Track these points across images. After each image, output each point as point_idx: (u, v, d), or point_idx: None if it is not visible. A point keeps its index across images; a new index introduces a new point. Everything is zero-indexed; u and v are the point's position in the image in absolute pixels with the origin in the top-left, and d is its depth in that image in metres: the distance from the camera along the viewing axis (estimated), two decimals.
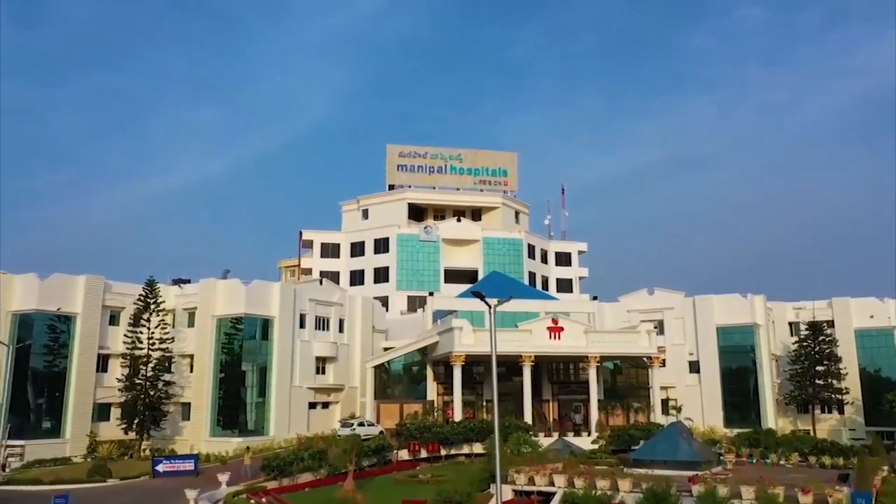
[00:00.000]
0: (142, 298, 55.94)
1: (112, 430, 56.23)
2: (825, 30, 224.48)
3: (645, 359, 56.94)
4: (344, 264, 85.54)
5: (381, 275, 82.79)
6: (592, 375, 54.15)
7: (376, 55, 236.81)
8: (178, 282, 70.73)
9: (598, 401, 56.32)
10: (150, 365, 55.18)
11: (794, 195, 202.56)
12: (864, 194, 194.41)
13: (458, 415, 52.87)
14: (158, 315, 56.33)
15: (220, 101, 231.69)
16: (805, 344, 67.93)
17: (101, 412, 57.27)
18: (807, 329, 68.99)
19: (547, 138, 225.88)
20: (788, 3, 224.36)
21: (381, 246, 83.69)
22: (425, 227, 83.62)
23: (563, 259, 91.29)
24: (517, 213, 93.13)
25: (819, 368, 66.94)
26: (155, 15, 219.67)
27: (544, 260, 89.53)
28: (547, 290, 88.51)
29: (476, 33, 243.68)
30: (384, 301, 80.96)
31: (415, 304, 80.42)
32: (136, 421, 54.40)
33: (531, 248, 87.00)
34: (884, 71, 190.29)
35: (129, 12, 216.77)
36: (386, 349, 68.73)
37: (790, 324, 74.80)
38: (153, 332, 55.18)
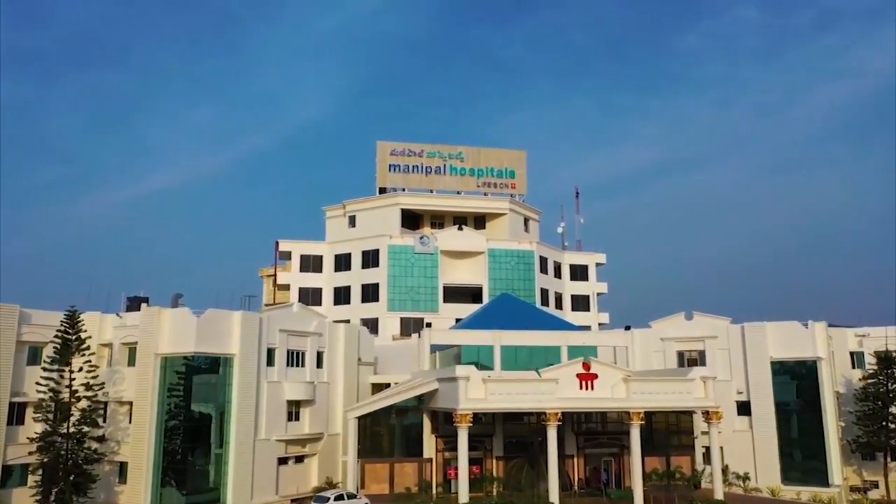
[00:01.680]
0: (59, 334, 44.29)
1: (29, 498, 44.62)
2: (818, 31, 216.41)
3: (700, 412, 45.49)
4: (327, 280, 73.97)
5: (370, 292, 71.24)
6: (635, 436, 42.45)
7: (372, 54, 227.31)
8: (135, 301, 59.64)
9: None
10: (73, 417, 43.57)
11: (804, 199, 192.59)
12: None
13: (463, 494, 40.91)
14: (83, 353, 44.69)
15: (214, 99, 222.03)
16: (874, 380, 56.89)
17: (19, 475, 45.75)
18: (875, 362, 58.00)
19: (543, 137, 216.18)
20: (782, 3, 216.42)
21: (370, 259, 72.11)
22: (421, 238, 72.08)
23: (579, 273, 79.85)
24: (526, 220, 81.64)
25: (893, 410, 55.93)
26: (151, 13, 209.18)
27: (557, 274, 78.09)
28: (561, 308, 77.22)
29: (472, 32, 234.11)
30: (373, 324, 69.57)
31: (409, 327, 69.06)
32: (54, 489, 42.81)
33: (543, 261, 75.51)
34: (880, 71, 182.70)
35: (125, 10, 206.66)
36: (374, 386, 57.43)
37: (851, 354, 63.55)
38: (74, 377, 43.55)
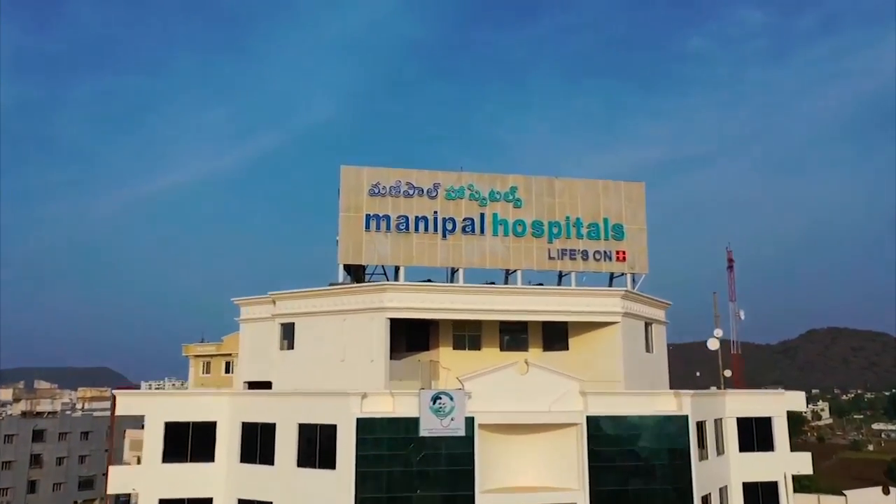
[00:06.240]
0: None
1: None
2: (823, 33, 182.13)
3: None
4: (223, 487, 32.94)
5: None
6: None
7: (379, 59, 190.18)
8: None
9: None
10: None
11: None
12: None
13: None
14: None
15: (223, 102, 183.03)
16: None
17: None
18: None
19: (548, 137, 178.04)
20: (786, 6, 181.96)
21: (320, 445, 31.09)
22: (435, 399, 30.83)
23: (756, 433, 38.74)
24: (648, 327, 40.54)
25: None
26: (164, 17, 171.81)
27: (719, 447, 37.02)
28: None
29: (479, 35, 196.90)
30: None
31: None
32: None
33: (699, 429, 34.53)
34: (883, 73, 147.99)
35: (138, 15, 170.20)
36: None
37: None
38: None
